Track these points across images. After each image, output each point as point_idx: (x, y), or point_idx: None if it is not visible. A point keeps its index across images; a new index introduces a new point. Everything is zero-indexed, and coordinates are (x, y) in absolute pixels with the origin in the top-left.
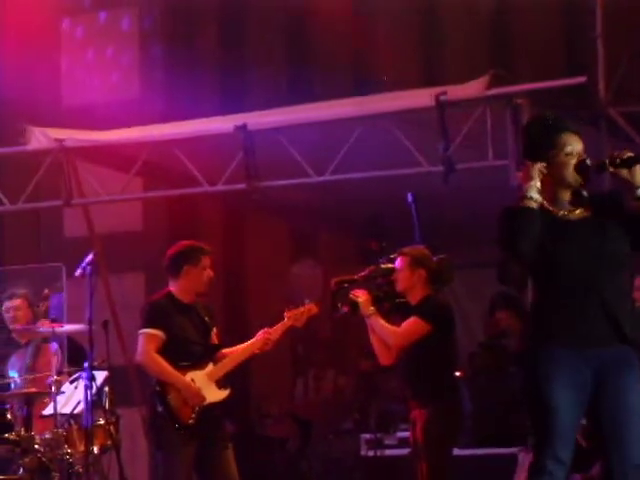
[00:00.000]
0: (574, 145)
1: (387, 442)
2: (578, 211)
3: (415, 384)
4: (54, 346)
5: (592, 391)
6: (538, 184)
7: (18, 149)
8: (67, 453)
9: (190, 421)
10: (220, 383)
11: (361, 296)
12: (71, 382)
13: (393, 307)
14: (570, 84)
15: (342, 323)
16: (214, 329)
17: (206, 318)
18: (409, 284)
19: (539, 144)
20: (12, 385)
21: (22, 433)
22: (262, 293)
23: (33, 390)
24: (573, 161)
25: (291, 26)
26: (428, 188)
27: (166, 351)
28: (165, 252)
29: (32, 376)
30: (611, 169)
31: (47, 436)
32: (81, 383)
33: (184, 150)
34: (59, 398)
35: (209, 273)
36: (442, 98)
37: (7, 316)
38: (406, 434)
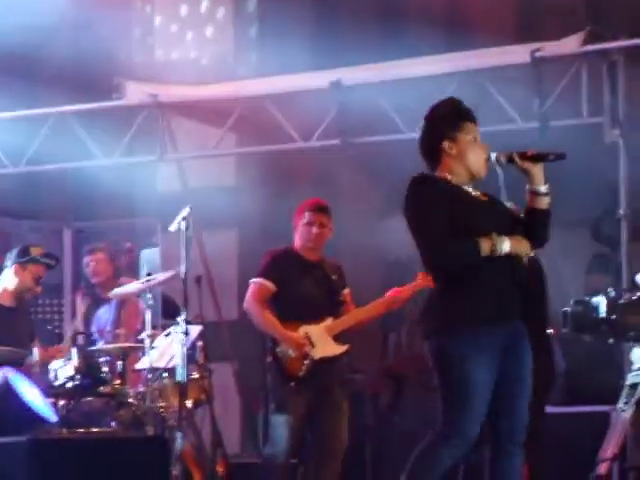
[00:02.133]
0: (476, 136)
1: None
2: (481, 193)
3: None
4: (140, 302)
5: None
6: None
7: (113, 104)
8: (161, 407)
9: (300, 373)
10: (339, 338)
11: None
12: (165, 336)
13: None
14: None
15: None
16: (346, 289)
17: (333, 276)
18: None
19: (446, 124)
20: (98, 340)
21: (116, 386)
22: (353, 251)
23: (127, 344)
24: (477, 147)
25: None
26: (520, 145)
27: (278, 303)
28: (257, 208)
29: (122, 331)
30: (519, 162)
31: (141, 389)
32: (175, 337)
33: (278, 105)
34: (152, 352)
35: (311, 229)
36: (537, 54)
37: (86, 270)
38: None
